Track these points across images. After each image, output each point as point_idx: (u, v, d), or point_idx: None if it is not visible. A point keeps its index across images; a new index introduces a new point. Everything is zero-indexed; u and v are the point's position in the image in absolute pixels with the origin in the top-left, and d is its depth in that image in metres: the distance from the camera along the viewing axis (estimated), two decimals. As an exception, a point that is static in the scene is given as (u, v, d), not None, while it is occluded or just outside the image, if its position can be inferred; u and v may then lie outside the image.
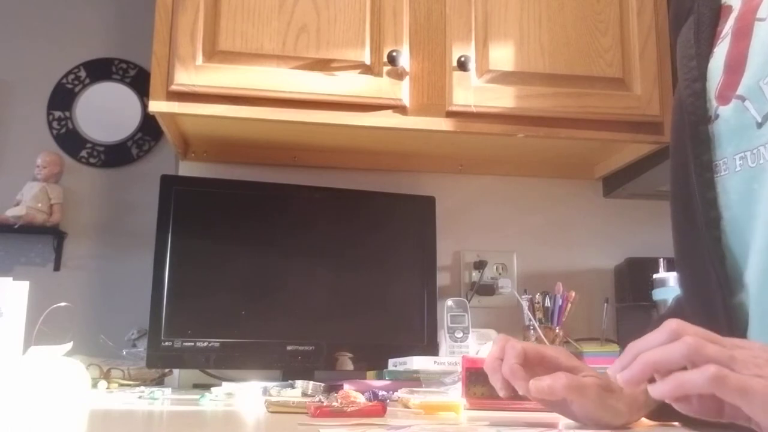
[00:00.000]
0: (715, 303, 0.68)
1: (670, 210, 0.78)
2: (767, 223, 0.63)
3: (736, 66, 0.68)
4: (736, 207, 0.67)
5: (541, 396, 0.63)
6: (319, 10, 1.38)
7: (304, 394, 1.11)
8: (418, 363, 1.20)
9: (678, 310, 0.82)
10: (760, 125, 0.65)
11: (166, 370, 1.48)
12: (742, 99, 0.67)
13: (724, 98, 0.69)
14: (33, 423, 0.70)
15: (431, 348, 1.48)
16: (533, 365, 0.68)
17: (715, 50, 0.72)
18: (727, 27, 0.72)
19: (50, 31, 2.00)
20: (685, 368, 0.49)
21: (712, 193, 0.69)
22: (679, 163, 0.75)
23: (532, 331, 1.51)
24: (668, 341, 0.50)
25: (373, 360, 1.44)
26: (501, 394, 0.67)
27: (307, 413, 0.78)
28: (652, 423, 0.70)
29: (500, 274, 1.71)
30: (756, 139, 0.65)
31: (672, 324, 0.51)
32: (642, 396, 0.72)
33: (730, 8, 0.73)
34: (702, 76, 0.72)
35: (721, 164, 0.69)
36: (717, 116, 0.70)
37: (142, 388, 1.21)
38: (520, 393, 0.65)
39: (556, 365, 0.68)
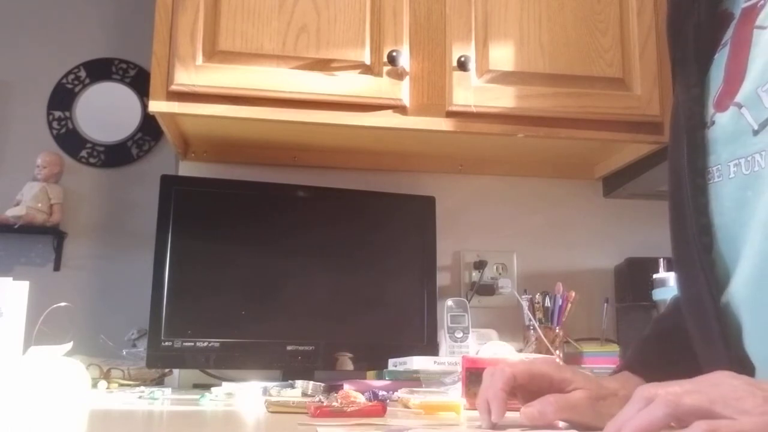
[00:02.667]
0: (706, 307, 0.68)
1: (668, 211, 0.78)
2: (762, 229, 0.63)
3: (735, 74, 0.68)
4: (728, 214, 0.67)
5: (533, 423, 0.63)
6: (319, 10, 1.38)
7: (304, 394, 1.11)
8: (418, 363, 1.20)
9: (675, 310, 0.83)
10: (756, 132, 0.65)
11: (166, 370, 1.48)
12: (739, 106, 0.67)
13: (722, 105, 0.69)
14: (33, 423, 0.70)
15: (431, 348, 1.48)
16: (524, 385, 0.69)
17: (715, 57, 0.72)
18: (728, 34, 0.72)
19: (50, 31, 2.00)
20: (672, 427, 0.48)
21: (704, 200, 0.69)
22: (674, 167, 0.75)
23: (532, 331, 1.51)
24: (644, 407, 0.49)
25: (373, 360, 1.44)
26: (483, 425, 0.68)
27: (307, 413, 0.78)
28: None
29: (500, 274, 1.71)
30: (751, 146, 0.65)
31: (641, 392, 0.50)
32: None
33: (731, 15, 0.73)
34: (700, 82, 0.72)
35: (715, 171, 0.69)
36: (714, 123, 0.70)
37: (142, 388, 1.21)
38: (492, 420, 0.66)
39: (546, 381, 0.69)
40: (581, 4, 1.47)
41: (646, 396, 0.50)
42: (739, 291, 0.66)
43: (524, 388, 0.69)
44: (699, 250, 0.68)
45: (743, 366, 0.65)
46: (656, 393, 0.49)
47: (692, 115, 0.71)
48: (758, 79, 0.65)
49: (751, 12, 0.69)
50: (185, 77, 1.31)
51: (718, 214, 0.68)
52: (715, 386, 0.48)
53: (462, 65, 1.39)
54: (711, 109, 0.70)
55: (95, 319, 1.77)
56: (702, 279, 0.68)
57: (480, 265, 1.69)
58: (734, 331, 0.66)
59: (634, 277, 1.64)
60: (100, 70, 2.00)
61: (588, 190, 1.79)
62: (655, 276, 1.49)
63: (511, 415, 0.70)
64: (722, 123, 0.69)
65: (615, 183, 1.73)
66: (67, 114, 1.97)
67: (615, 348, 1.56)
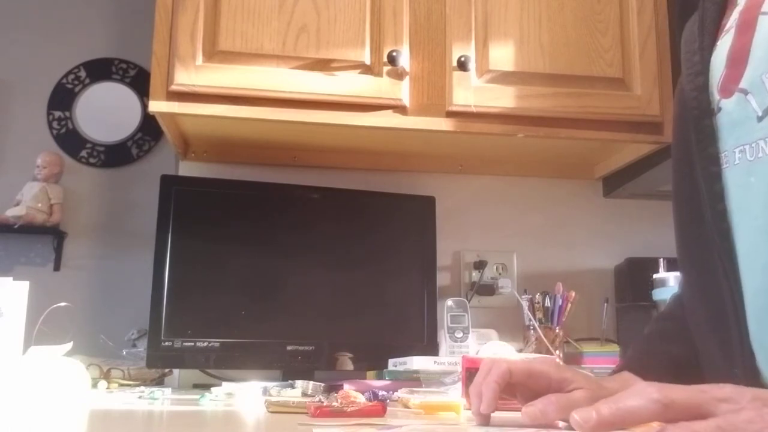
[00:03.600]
0: (723, 297, 0.67)
1: (672, 207, 0.78)
2: (760, 215, 0.63)
3: (738, 59, 0.68)
4: (733, 200, 0.67)
5: (534, 422, 0.63)
6: (319, 10, 1.38)
7: (304, 394, 1.11)
8: (418, 363, 1.20)
9: (676, 309, 0.82)
10: (760, 119, 0.65)
11: (166, 370, 1.48)
12: (745, 92, 0.67)
13: (726, 91, 0.69)
14: (33, 423, 0.70)
15: (431, 348, 1.48)
16: (522, 382, 0.68)
17: (718, 43, 0.72)
18: (731, 20, 0.72)
19: (50, 31, 2.00)
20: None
21: (719, 186, 0.69)
22: (682, 157, 0.74)
23: (532, 331, 1.51)
24: (655, 413, 0.48)
25: (373, 360, 1.44)
26: (472, 410, 0.68)
27: (307, 413, 0.78)
28: (651, 422, 0.70)
29: (500, 274, 1.71)
30: (756, 133, 0.65)
31: (654, 394, 0.49)
32: None
33: (735, 2, 0.73)
34: (705, 70, 0.72)
35: (722, 157, 0.69)
36: (719, 109, 0.70)
37: (142, 388, 1.21)
38: (482, 411, 0.66)
39: (545, 380, 0.69)
40: (581, 4, 1.47)
41: (659, 399, 0.48)
42: (754, 279, 0.65)
43: (524, 387, 0.69)
44: (716, 237, 0.68)
45: (753, 357, 0.65)
46: (671, 399, 0.48)
47: (699, 104, 0.71)
48: (761, 64, 0.65)
49: None
50: (185, 77, 1.31)
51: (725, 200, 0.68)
52: (722, 402, 0.48)
53: (462, 65, 1.39)
54: (716, 95, 0.70)
55: (95, 319, 1.77)
56: (719, 265, 0.68)
57: (480, 265, 1.69)
58: (746, 320, 0.66)
59: (634, 277, 1.64)
60: (100, 70, 2.00)
61: (588, 190, 1.79)
62: (655, 276, 1.49)
63: (511, 415, 0.70)
64: (728, 109, 0.69)
65: (615, 183, 1.73)
66: (67, 114, 1.97)
67: (615, 348, 1.56)
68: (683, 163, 0.74)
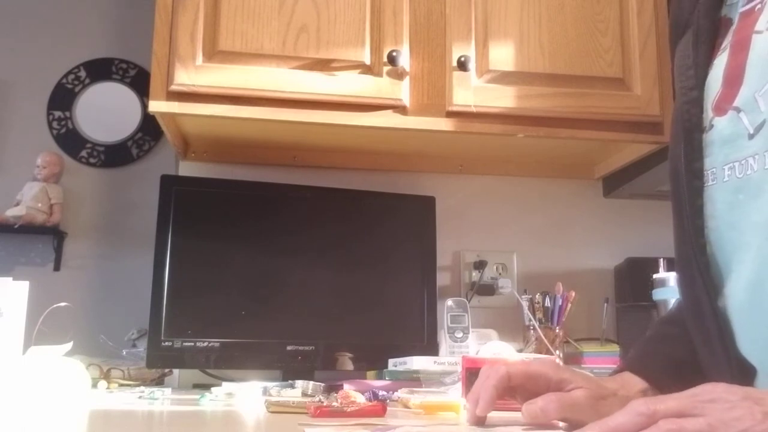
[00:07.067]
0: (704, 309, 0.68)
1: (671, 212, 0.78)
2: (759, 233, 0.63)
3: (734, 78, 0.69)
4: (721, 216, 0.68)
5: (534, 420, 0.63)
6: (319, 10, 1.38)
7: (304, 394, 1.11)
8: (418, 363, 1.19)
9: (679, 312, 0.83)
10: (751, 136, 0.65)
11: (166, 370, 1.48)
12: (738, 110, 0.67)
13: (720, 110, 0.69)
14: (33, 423, 0.70)
15: (431, 348, 1.48)
16: (521, 385, 0.68)
17: (714, 62, 0.72)
18: (726, 40, 0.72)
19: (50, 31, 2.00)
20: None
21: (700, 201, 0.69)
22: (674, 169, 0.75)
23: (532, 331, 1.51)
24: (640, 425, 0.48)
25: (373, 360, 1.44)
26: (468, 420, 0.68)
27: (307, 413, 0.78)
28: None
29: (500, 274, 1.71)
30: (746, 150, 0.65)
31: (636, 406, 0.49)
32: (638, 396, 0.73)
33: (729, 21, 0.73)
34: (699, 85, 0.72)
35: (710, 174, 0.69)
36: (712, 126, 0.70)
37: (142, 388, 1.21)
38: (477, 413, 0.66)
39: (544, 381, 0.69)
40: (581, 4, 1.47)
41: (642, 411, 0.49)
42: (737, 294, 0.66)
43: (523, 389, 0.69)
44: (695, 252, 0.69)
45: (742, 369, 0.65)
46: (655, 410, 0.48)
47: (690, 117, 0.72)
48: (756, 83, 0.66)
49: (749, 16, 0.69)
50: (185, 77, 1.31)
51: (711, 217, 0.69)
52: (712, 403, 0.48)
53: (462, 65, 1.39)
54: (710, 113, 0.71)
55: (95, 319, 1.77)
56: (699, 281, 0.68)
57: (480, 265, 1.69)
58: (731, 334, 0.66)
59: (634, 277, 1.64)
60: (100, 70, 2.00)
61: (588, 190, 1.79)
62: (655, 276, 1.49)
63: (510, 415, 0.70)
64: (720, 127, 0.69)
65: (615, 183, 1.73)
66: (67, 114, 1.97)
67: (615, 348, 1.56)
68: (674, 175, 0.74)
